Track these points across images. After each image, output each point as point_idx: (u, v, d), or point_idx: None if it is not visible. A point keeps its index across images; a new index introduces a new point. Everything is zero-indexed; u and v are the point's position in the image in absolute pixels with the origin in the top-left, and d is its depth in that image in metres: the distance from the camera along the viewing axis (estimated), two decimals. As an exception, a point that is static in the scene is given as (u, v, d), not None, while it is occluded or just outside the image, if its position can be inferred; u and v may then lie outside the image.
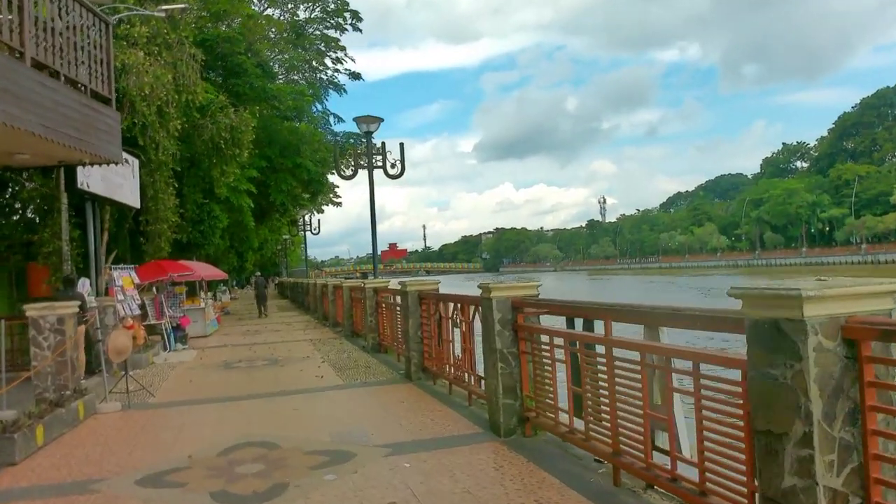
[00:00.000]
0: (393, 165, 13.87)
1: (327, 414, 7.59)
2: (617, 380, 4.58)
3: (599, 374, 4.83)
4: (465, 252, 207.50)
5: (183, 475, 5.41)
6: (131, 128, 16.72)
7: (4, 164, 10.34)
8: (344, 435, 6.52)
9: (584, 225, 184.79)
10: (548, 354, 5.70)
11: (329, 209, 42.01)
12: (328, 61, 27.19)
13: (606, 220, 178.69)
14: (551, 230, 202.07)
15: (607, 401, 4.73)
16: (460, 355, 8.06)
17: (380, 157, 13.78)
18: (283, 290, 49.84)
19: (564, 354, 5.37)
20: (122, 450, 6.36)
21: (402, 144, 13.90)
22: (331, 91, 28.35)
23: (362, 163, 13.87)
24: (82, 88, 9.36)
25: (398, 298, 11.23)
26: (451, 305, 8.23)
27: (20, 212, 17.50)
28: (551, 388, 5.63)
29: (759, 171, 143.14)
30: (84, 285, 12.00)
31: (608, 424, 4.73)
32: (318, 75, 27.41)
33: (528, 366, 6.08)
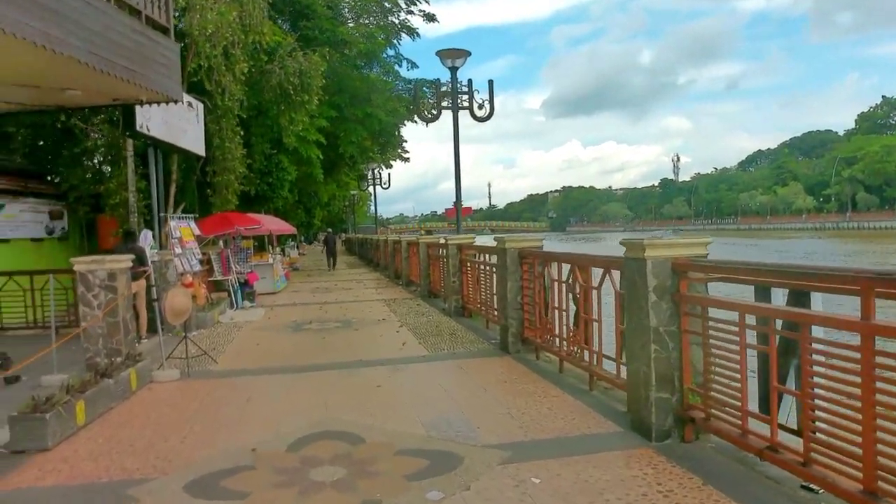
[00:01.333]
0: (480, 106, 12.26)
1: (417, 394, 6.27)
2: (881, 385, 2.98)
3: (843, 374, 3.23)
4: (530, 211, 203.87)
5: (244, 480, 4.18)
6: (196, 71, 15.69)
7: (58, 103, 9.31)
8: (442, 426, 5.18)
9: (656, 184, 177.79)
10: (729, 336, 4.12)
11: (393, 166, 40.69)
12: (401, 1, 25.45)
13: (680, 179, 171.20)
14: (621, 189, 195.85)
15: (855, 413, 3.15)
16: (575, 327, 6.57)
17: (466, 97, 12.18)
18: (351, 247, 49.40)
19: (737, 338, 3.77)
20: (175, 435, 5.22)
21: (490, 82, 12.25)
22: (402, 35, 26.63)
23: (445, 103, 12.30)
24: (136, 14, 8.13)
25: (489, 257, 9.78)
26: (567, 267, 6.70)
27: (89, 163, 16.95)
28: (736, 383, 4.06)
29: (853, 126, 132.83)
30: (146, 238, 11.08)
31: (854, 448, 3.15)
32: (389, 18, 25.75)
33: (692, 349, 4.52)
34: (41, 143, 18.14)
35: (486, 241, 11.43)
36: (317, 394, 6.38)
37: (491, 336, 9.17)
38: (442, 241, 12.52)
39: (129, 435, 5.26)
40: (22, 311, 11.49)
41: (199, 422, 5.57)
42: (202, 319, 11.04)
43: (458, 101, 12.02)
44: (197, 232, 7.93)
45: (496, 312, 9.39)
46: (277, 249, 20.47)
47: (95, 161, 17.09)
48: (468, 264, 11.11)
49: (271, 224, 16.80)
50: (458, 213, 12.69)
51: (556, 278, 6.95)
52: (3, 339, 10.83)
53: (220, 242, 14.03)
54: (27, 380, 7.54)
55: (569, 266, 6.64)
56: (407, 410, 5.70)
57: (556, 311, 6.98)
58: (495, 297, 9.39)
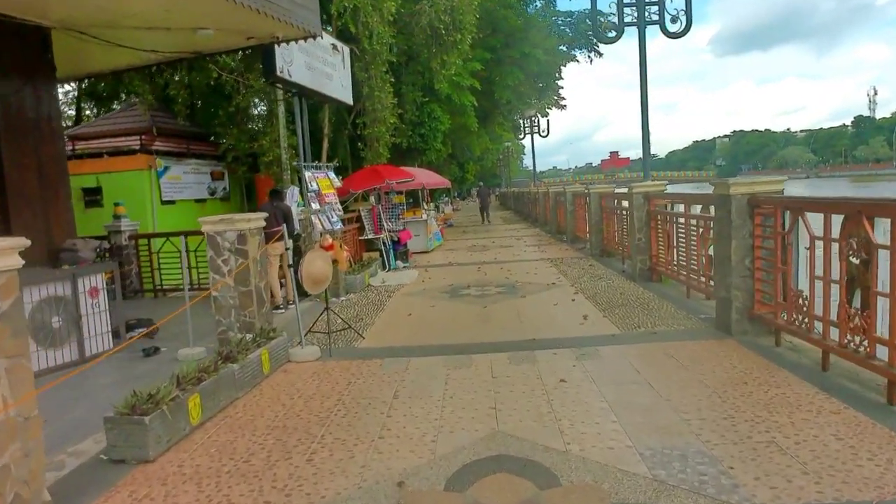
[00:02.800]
0: (674, 19, 9.87)
1: (619, 397, 4.53)
2: None
3: None
4: (695, 159, 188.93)
5: (383, 551, 2.74)
6: (341, 14, 14.65)
7: (193, 49, 8.47)
8: (674, 461, 3.42)
9: (847, 123, 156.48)
10: None
11: (549, 114, 38.07)
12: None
13: (878, 116, 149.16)
14: (802, 131, 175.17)
15: None
16: (855, 306, 4.44)
17: (655, 9, 9.84)
18: (506, 202, 47.92)
19: None
20: (300, 448, 3.95)
21: (688, -11, 9.75)
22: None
23: (628, 19, 10.06)
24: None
25: (694, 209, 7.65)
26: (836, 220, 4.54)
27: (243, 121, 16.75)
28: None
29: None
30: (292, 195, 10.21)
31: None
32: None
33: None
34: (198, 104, 18.27)
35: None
36: (482, 390, 4.86)
37: (699, 310, 7.14)
38: (621, 190, 10.45)
39: (247, 445, 4.07)
40: (179, 273, 11.23)
41: (332, 429, 4.27)
42: (351, 283, 10.03)
43: (646, 13, 9.72)
44: (337, 184, 6.71)
45: (704, 279, 7.31)
46: (431, 205, 19.38)
47: (249, 119, 16.90)
48: (659, 218, 9.02)
49: (424, 177, 15.61)
50: (645, 150, 10.47)
51: (819, 235, 4.80)
52: (163, 302, 10.58)
53: (371, 198, 13.03)
54: (167, 351, 6.83)
55: (837, 218, 4.46)
56: (610, 426, 3.99)
57: (815, 283, 4.84)
58: (703, 259, 7.30)
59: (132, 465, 3.84)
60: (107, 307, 6.99)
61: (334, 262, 6.46)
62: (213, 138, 17.79)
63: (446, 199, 38.08)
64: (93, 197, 16.33)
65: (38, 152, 7.01)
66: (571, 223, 15.94)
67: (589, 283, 9.61)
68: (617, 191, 12.15)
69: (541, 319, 7.31)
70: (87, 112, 24.53)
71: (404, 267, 12.82)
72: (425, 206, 17.56)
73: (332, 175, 6.70)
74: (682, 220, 8.00)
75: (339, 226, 6.62)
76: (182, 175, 16.80)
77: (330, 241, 6.40)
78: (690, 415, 4.09)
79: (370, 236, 12.41)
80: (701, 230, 7.37)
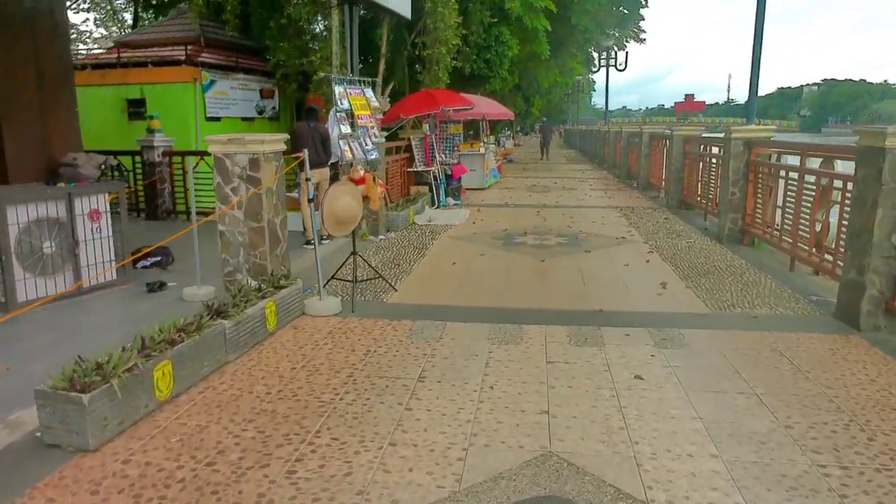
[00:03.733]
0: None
1: (720, 419, 3.35)
2: None
3: None
4: (777, 107, 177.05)
5: None
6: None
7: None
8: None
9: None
10: None
11: (627, 47, 35.11)
12: None
13: None
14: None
15: None
16: None
17: None
18: (571, 140, 45.65)
19: None
20: (288, 449, 2.97)
21: None
22: None
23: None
24: None
25: (814, 164, 6.18)
26: None
27: (295, 35, 15.54)
28: None
29: None
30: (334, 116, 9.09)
31: None
32: None
33: None
34: (249, 13, 17.09)
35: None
36: (532, 381, 3.76)
37: (807, 289, 5.78)
38: (714, 135, 8.88)
39: (219, 435, 3.12)
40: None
41: (333, 422, 3.27)
42: (393, 220, 8.96)
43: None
44: (375, 103, 5.51)
45: (816, 251, 5.91)
46: (490, 138, 17.93)
47: (301, 33, 15.67)
48: (761, 170, 7.51)
49: (485, 106, 14.17)
50: (752, 85, 8.78)
51: None
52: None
53: (425, 126, 11.79)
54: (175, 287, 5.98)
55: None
56: (709, 464, 2.84)
57: None
58: (819, 225, 5.88)
59: (68, 453, 2.95)
60: (110, 233, 6.14)
61: (365, 199, 5.36)
62: (265, 53, 16.70)
63: (508, 133, 36.29)
64: (137, 109, 15.64)
65: (36, 52, 6.04)
66: (645, 168, 14.34)
67: (666, 240, 8.25)
68: (706, 135, 10.54)
69: (609, 283, 6.10)
70: (146, 21, 23.77)
71: (455, 205, 11.66)
72: (484, 140, 16.18)
73: (369, 93, 5.52)
74: (793, 175, 6.50)
75: (374, 155, 5.47)
76: (229, 90, 15.88)
77: (362, 173, 5.28)
78: (827, 458, 2.89)
79: (420, 168, 11.25)
80: (820, 190, 5.91)
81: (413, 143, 11.28)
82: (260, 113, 16.35)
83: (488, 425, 3.21)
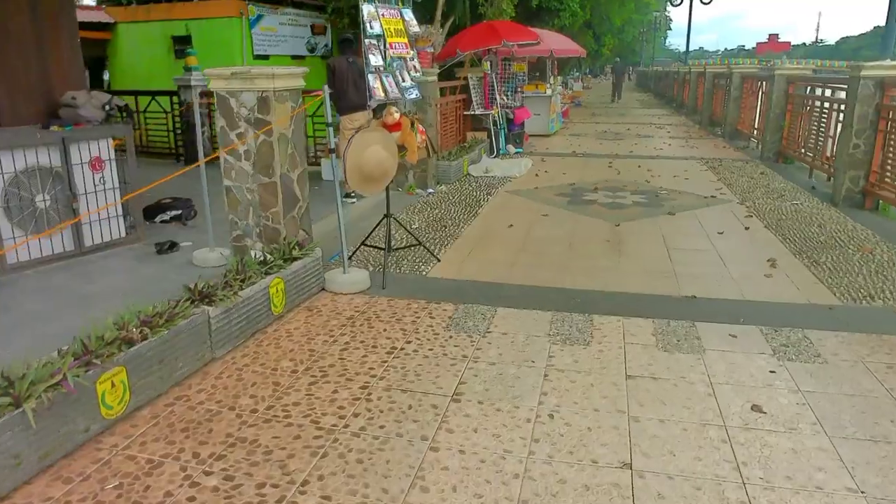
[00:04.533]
0: None
1: (882, 482, 2.28)
2: None
3: None
4: (871, 48, 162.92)
5: None
6: None
7: None
8: None
9: None
10: None
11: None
12: None
13: None
14: None
15: None
16: None
17: None
18: (645, 82, 42.88)
19: None
20: (268, 495, 2.10)
21: None
22: None
23: None
24: None
25: None
26: None
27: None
28: None
29: None
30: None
31: None
32: None
33: None
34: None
35: None
36: (607, 408, 2.75)
37: (971, 273, 4.47)
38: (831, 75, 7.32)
39: (170, 481, 2.26)
40: None
41: (328, 469, 2.37)
42: (445, 171, 7.92)
43: None
44: (416, 28, 4.40)
45: None
46: (558, 79, 16.39)
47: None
48: (897, 116, 6.04)
49: (553, 42, 12.71)
50: (892, 8, 7.13)
51: None
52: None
53: (486, 64, 10.52)
54: (188, 248, 5.20)
55: None
56: None
57: None
58: None
59: (-32, 501, 2.16)
60: (116, 184, 5.36)
61: (401, 149, 4.34)
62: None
63: (577, 74, 34.19)
64: (182, 46, 14.91)
65: (28, -32, 5.18)
66: (733, 113, 12.67)
67: (765, 201, 6.92)
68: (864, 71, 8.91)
69: (701, 258, 4.93)
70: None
71: (516, 153, 10.47)
72: (551, 81, 14.72)
73: (408, 15, 4.40)
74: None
75: (413, 94, 4.39)
76: (278, 26, 14.93)
77: (397, 117, 4.24)
78: None
79: (477, 112, 10.07)
80: None
81: (470, 83, 10.07)
82: (311, 51, 15.37)
83: (545, 485, 2.24)
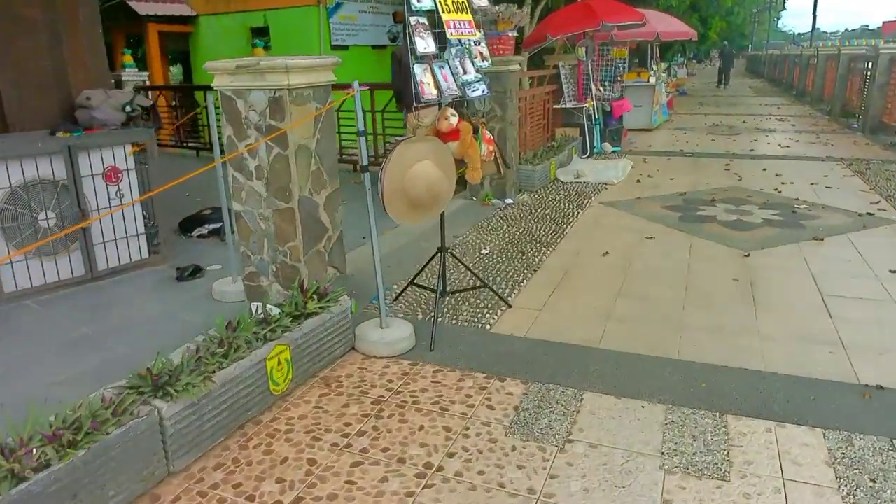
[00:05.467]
0: None
1: None
2: None
3: None
4: None
5: None
6: None
7: None
8: None
9: None
10: None
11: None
12: None
13: None
14: None
15: None
16: None
17: None
18: (756, 67, 39.51)
19: None
20: None
21: None
22: None
23: None
24: None
25: None
26: None
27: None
28: None
29: None
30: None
31: None
32: None
33: None
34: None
35: None
36: None
37: None
38: None
39: None
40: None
41: None
42: (528, 177, 6.75)
43: None
44: (482, 2, 3.30)
45: None
46: (662, 66, 14.70)
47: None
48: None
49: (659, 23, 11.17)
50: None
51: None
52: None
53: (581, 51, 9.22)
54: (215, 274, 4.39)
55: None
56: None
57: None
58: None
59: None
60: (135, 197, 4.60)
61: (461, 163, 3.26)
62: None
63: (681, 59, 31.72)
64: (261, 38, 14.45)
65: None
66: (878, 103, 10.68)
67: (947, 221, 5.31)
68: None
69: (875, 316, 3.54)
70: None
71: (613, 152, 9.13)
72: (654, 67, 13.13)
73: (473, -12, 3.31)
74: None
75: (480, 91, 3.27)
76: (357, 15, 14.17)
77: (454, 121, 3.16)
78: None
79: (569, 105, 8.80)
80: None
81: (562, 72, 8.81)
82: (393, 40, 14.52)
83: None
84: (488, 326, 3.44)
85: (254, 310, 2.88)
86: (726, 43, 37.37)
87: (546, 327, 3.43)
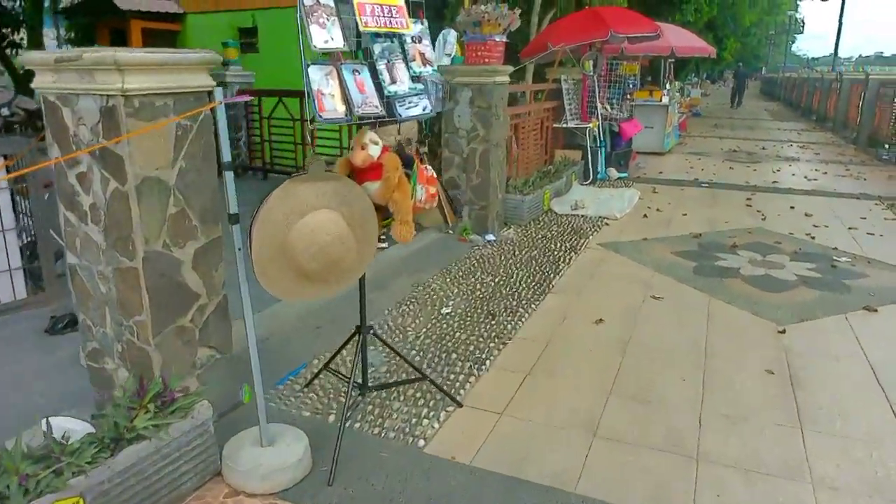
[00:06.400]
0: None
1: None
2: None
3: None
4: None
5: None
6: None
7: None
8: None
9: None
10: None
11: None
12: None
13: None
14: None
15: None
16: None
17: None
18: (772, 90, 38.51)
19: None
20: None
21: None
22: None
23: None
24: None
25: None
26: None
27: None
28: None
29: None
30: (444, 42, 5.95)
31: None
32: None
33: None
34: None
35: None
36: None
37: None
38: None
39: None
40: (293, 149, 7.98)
41: None
42: (515, 207, 5.74)
43: None
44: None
45: None
46: (675, 85, 13.69)
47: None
48: None
49: (675, 38, 10.17)
50: None
51: None
52: (269, 189, 7.32)
53: (588, 63, 8.24)
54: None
55: None
56: None
57: None
58: None
59: None
60: (10, 224, 3.63)
61: (386, 212, 2.25)
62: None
63: (695, 79, 30.78)
64: (249, 39, 13.56)
65: None
66: (914, 134, 9.65)
67: None
68: None
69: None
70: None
71: (619, 178, 8.12)
72: (667, 86, 12.14)
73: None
74: None
75: (418, 109, 2.29)
76: (355, 18, 13.22)
77: (375, 153, 2.15)
78: None
79: (571, 125, 7.81)
80: None
81: (564, 88, 7.81)
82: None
83: None
84: (422, 442, 2.42)
85: (47, 428, 1.88)
86: (740, 64, 36.51)
87: (505, 447, 2.41)
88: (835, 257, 4.92)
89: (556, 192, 6.52)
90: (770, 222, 6.07)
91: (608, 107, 8.53)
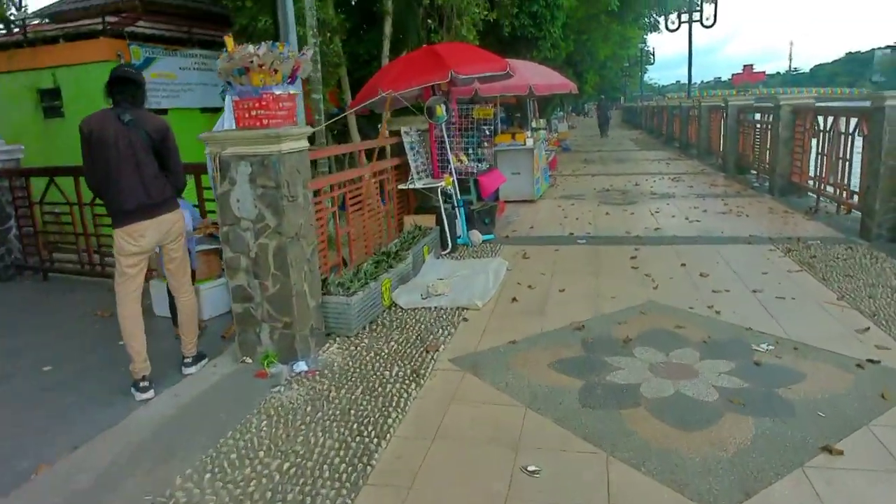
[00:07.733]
0: None
1: None
2: None
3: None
4: (846, 74, 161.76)
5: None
6: None
7: None
8: None
9: None
10: None
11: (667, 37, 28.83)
12: None
13: None
14: None
15: None
16: None
17: None
18: (633, 118, 39.98)
19: None
20: None
21: None
22: None
23: None
24: None
25: None
26: None
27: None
28: None
29: None
30: (229, 101, 4.42)
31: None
32: None
33: None
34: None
35: None
36: None
37: None
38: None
39: None
40: (74, 241, 6.09)
41: None
42: (338, 312, 4.21)
43: None
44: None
45: None
46: (541, 122, 12.88)
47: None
48: None
49: (533, 75, 9.19)
50: None
51: None
52: (50, 292, 5.33)
53: (441, 108, 6.99)
54: None
55: None
56: None
57: None
58: None
59: None
60: None
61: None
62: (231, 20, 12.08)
63: (560, 114, 31.12)
64: (52, 102, 11.44)
65: None
66: (785, 160, 9.15)
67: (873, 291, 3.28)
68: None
69: None
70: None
71: (484, 242, 6.84)
72: (533, 125, 11.24)
73: None
74: None
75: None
76: (178, 72, 11.52)
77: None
78: None
79: (419, 185, 6.48)
80: None
81: (406, 142, 6.48)
82: (228, 101, 11.86)
83: None
84: None
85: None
86: (602, 96, 37.74)
87: None
88: (753, 345, 3.77)
89: (402, 277, 5.06)
90: (663, 291, 4.93)
91: (464, 158, 7.30)
